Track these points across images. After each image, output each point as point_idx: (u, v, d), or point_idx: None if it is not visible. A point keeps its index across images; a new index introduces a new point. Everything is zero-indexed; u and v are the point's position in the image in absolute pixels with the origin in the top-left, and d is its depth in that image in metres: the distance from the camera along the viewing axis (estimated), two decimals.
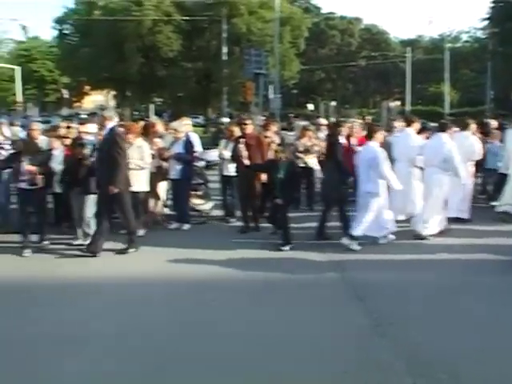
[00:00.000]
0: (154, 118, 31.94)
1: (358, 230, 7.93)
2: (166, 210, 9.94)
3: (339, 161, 8.43)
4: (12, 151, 9.30)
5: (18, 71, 40.12)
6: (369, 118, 16.32)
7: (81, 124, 8.93)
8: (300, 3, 52.93)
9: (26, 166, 7.94)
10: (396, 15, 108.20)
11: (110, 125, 7.79)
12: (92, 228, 8.11)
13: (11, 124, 12.75)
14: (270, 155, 8.91)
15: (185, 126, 9.97)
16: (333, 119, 16.79)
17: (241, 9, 34.53)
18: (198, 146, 9.98)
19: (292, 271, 6.93)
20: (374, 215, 7.95)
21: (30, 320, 5.46)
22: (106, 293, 6.25)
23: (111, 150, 7.55)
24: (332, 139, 8.90)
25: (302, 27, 38.88)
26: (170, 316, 5.50)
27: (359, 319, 5.41)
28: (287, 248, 7.87)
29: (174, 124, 9.84)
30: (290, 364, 4.46)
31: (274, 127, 10.81)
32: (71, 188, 8.25)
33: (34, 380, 4.30)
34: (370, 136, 8.19)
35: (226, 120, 11.11)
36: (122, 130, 8.12)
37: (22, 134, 10.46)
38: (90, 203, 8.10)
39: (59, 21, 41.13)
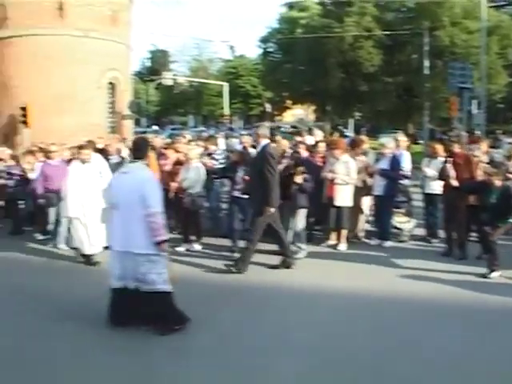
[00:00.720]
0: (349, 133, 32.24)
1: None
2: (368, 226, 10.05)
3: None
4: (224, 161, 10.17)
5: (225, 87, 43.28)
6: None
7: (299, 135, 9.33)
8: (508, 9, 49.07)
9: (241, 176, 8.57)
10: None
11: (263, 142, 7.77)
12: (303, 240, 8.53)
13: (229, 137, 13.75)
14: (479, 176, 8.53)
15: (398, 142, 9.96)
16: None
17: (443, 20, 33.22)
18: (406, 164, 9.89)
19: (499, 299, 6.58)
20: None
21: (257, 325, 5.84)
22: (322, 304, 6.53)
23: (263, 168, 7.52)
24: None
25: (510, 36, 36.22)
26: (375, 335, 5.62)
27: None
28: (495, 275, 7.46)
29: (383, 140, 9.84)
30: None
31: (484, 145, 10.33)
32: (281, 201, 8.36)
33: None
34: None
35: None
36: (274, 147, 8.07)
37: (239, 146, 11.19)
38: (301, 217, 8.44)
39: (264, 40, 44.00)
